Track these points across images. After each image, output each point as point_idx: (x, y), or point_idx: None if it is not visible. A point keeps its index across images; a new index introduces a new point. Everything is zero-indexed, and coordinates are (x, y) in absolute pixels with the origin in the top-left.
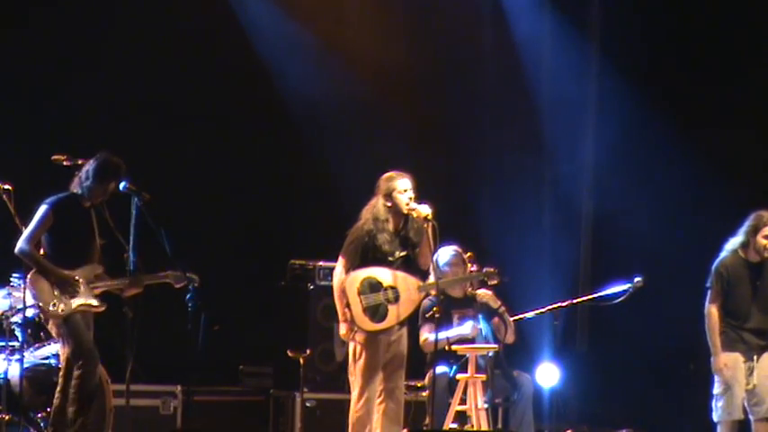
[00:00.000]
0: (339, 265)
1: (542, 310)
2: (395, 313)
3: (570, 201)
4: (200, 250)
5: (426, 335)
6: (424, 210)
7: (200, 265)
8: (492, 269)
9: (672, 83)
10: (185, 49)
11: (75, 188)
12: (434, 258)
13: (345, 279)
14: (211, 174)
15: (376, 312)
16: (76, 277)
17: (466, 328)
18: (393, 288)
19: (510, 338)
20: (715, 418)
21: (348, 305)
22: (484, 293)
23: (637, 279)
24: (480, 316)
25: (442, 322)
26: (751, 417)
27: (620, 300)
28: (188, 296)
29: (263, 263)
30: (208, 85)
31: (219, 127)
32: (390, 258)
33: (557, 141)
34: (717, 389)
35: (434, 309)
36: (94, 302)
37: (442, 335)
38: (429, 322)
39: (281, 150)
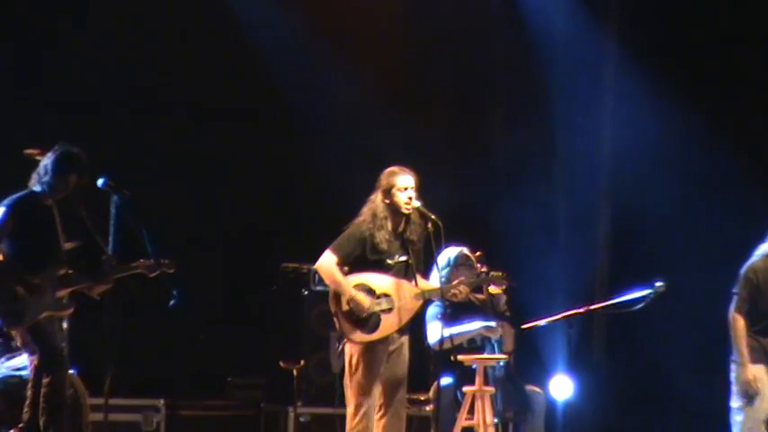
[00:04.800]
0: (326, 256)
1: (555, 317)
2: (389, 323)
3: (585, 199)
4: (186, 252)
5: (433, 336)
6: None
7: (185, 269)
8: (499, 273)
9: (697, 70)
10: (176, 44)
11: (34, 185)
12: (437, 260)
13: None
14: (198, 171)
15: (366, 322)
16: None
17: (475, 326)
18: (387, 296)
19: (509, 346)
20: None
21: (336, 314)
22: (497, 292)
23: (658, 284)
24: (494, 317)
25: (449, 324)
26: None
27: (639, 306)
28: (171, 302)
29: (253, 266)
30: (198, 80)
31: (208, 123)
32: (389, 261)
33: (571, 136)
34: (735, 402)
35: (439, 315)
36: (60, 307)
37: (464, 328)
38: (436, 322)
39: (273, 145)
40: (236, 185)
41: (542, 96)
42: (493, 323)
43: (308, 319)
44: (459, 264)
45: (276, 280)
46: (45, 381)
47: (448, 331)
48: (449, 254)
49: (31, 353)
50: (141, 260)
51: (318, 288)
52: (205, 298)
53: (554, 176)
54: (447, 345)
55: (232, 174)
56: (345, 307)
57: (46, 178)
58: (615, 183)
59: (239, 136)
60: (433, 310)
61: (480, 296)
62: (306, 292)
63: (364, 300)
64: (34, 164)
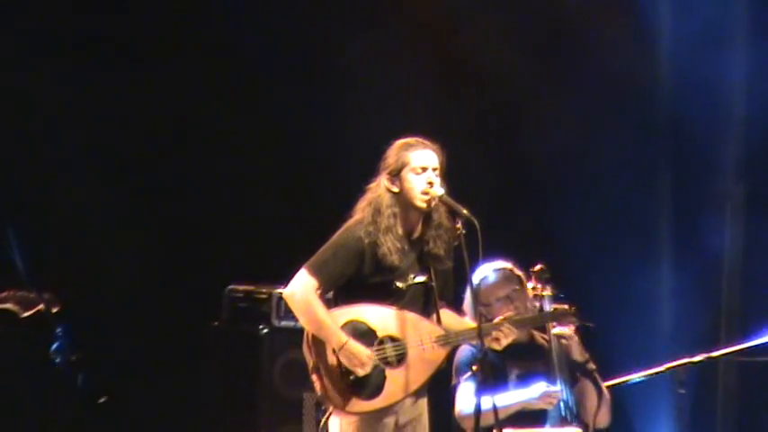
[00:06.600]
0: (301, 280)
1: (657, 369)
2: (398, 383)
3: (703, 202)
4: (80, 270)
5: (464, 404)
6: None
7: (80, 294)
8: (566, 306)
9: None
10: None
11: None
12: (473, 282)
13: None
14: (103, 152)
15: (364, 381)
16: None
17: (533, 392)
18: (395, 340)
19: (604, 419)
20: None
21: (317, 368)
22: (567, 334)
23: None
24: (559, 375)
25: (492, 384)
26: None
27: None
28: (55, 345)
29: (184, 288)
30: (121, 38)
31: (117, 68)
32: (399, 284)
33: (683, 111)
34: None
35: (474, 366)
36: None
37: (514, 396)
38: (468, 382)
39: (219, 102)
40: (162, 165)
41: (640, 47)
42: (557, 387)
43: (269, 373)
44: (501, 286)
45: (219, 311)
46: None
47: (489, 400)
48: (486, 273)
49: None
50: (8, 291)
51: (285, 323)
52: (109, 338)
53: (656, 169)
54: (487, 419)
55: (156, 145)
56: (332, 359)
57: None
58: (750, 177)
59: (163, 84)
60: (465, 355)
61: (545, 335)
62: (265, 330)
63: (362, 351)
64: None
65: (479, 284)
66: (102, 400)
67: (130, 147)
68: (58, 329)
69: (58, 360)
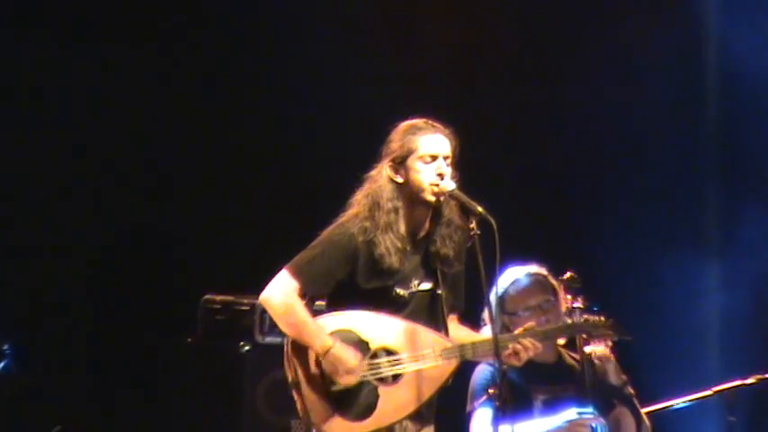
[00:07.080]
0: (280, 282)
1: (704, 393)
2: (393, 402)
3: (754, 195)
4: (29, 276)
5: (482, 424)
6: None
7: (39, 307)
8: (602, 318)
9: None
10: None
11: None
12: (500, 286)
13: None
14: (71, 151)
15: (352, 400)
16: None
17: (561, 420)
18: (391, 353)
19: None
20: None
21: (297, 384)
22: (602, 353)
23: None
24: (591, 401)
25: (513, 410)
26: None
27: None
28: (1, 364)
29: (155, 300)
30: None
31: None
32: (400, 290)
33: (730, 95)
34: None
35: (491, 389)
36: None
37: (538, 426)
38: (484, 407)
39: (196, 107)
40: (133, 166)
41: (686, 20)
42: (589, 410)
43: (252, 397)
44: (527, 293)
45: (194, 325)
46: None
47: (509, 429)
48: (513, 277)
49: None
50: None
51: (269, 339)
52: (65, 357)
53: (704, 164)
54: None
55: (127, 145)
56: (314, 370)
57: None
58: None
59: (143, 84)
60: (483, 377)
61: (576, 355)
62: (247, 347)
63: (350, 356)
64: None
65: (508, 289)
66: (56, 429)
67: (99, 147)
68: (5, 347)
69: (4, 382)
